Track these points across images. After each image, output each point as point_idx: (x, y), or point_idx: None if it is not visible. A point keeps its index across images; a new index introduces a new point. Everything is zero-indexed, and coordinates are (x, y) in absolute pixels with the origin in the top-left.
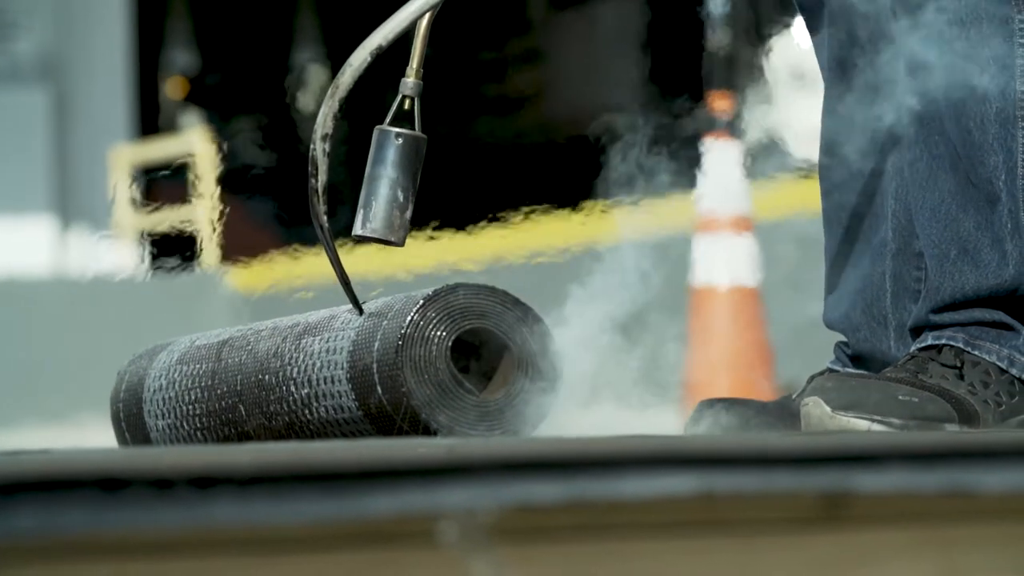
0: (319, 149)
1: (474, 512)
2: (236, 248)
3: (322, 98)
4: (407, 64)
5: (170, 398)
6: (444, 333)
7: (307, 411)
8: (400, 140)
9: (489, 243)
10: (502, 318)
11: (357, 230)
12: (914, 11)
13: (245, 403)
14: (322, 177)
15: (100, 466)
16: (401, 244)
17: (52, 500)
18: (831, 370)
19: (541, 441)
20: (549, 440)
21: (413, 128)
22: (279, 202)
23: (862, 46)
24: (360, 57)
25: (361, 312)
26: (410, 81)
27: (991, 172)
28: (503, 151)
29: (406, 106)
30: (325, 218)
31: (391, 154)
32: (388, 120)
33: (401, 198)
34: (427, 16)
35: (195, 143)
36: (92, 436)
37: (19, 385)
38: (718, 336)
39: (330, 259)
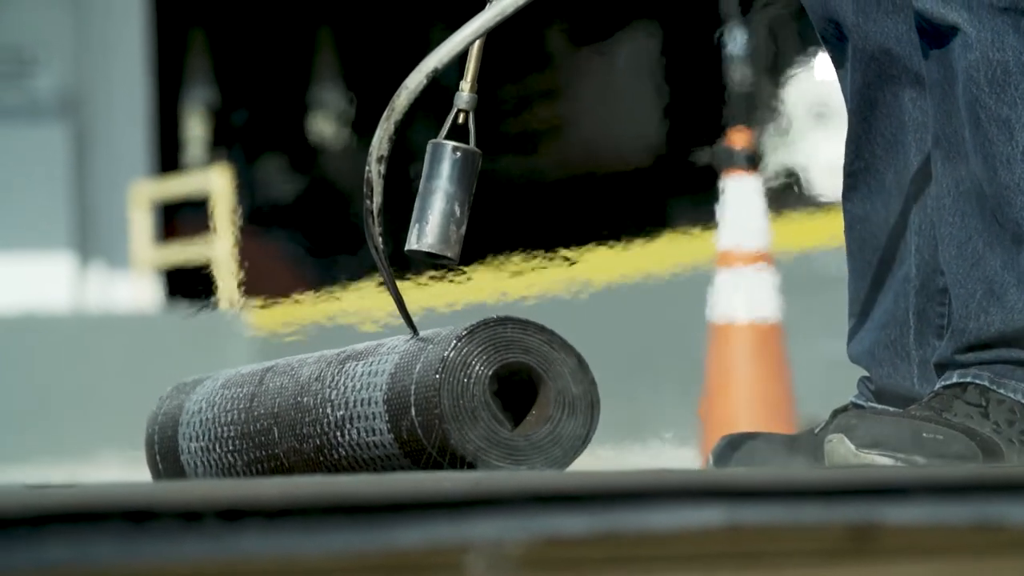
0: (374, 171)
1: (502, 544)
2: (256, 285)
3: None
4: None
5: (207, 420)
6: (485, 362)
7: (339, 433)
8: (458, 154)
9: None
10: (546, 357)
11: (411, 245)
12: (941, 49)
13: (280, 425)
14: (377, 199)
15: (128, 498)
16: (456, 260)
17: (80, 532)
18: (855, 405)
19: (569, 474)
20: (577, 473)
21: (467, 142)
22: (300, 238)
23: (887, 81)
24: (416, 80)
25: (416, 333)
26: (465, 95)
27: (1018, 212)
28: (519, 188)
29: (460, 120)
30: (380, 240)
31: (447, 168)
32: (443, 135)
33: (457, 212)
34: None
35: (215, 179)
36: (108, 472)
37: (36, 421)
38: (739, 371)
39: (386, 282)
